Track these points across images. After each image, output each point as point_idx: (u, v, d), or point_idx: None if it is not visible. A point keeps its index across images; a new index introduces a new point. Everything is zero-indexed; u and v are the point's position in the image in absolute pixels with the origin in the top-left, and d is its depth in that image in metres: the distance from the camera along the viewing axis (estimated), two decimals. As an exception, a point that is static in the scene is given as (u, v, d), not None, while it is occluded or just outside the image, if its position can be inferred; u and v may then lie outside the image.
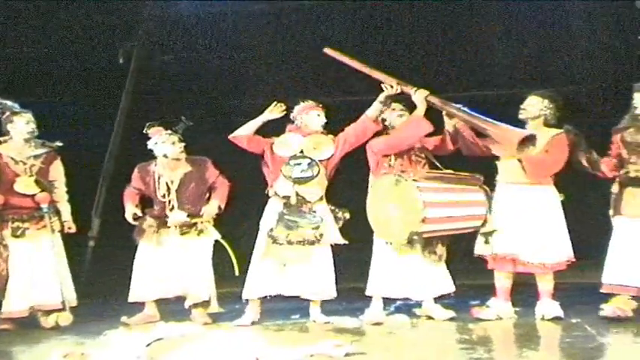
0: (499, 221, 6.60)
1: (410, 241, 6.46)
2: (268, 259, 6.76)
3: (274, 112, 6.93)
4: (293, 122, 7.03)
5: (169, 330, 6.26)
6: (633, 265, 6.31)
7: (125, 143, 9.20)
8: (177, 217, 6.97)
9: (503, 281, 6.69)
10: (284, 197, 6.81)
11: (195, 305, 6.96)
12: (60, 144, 7.15)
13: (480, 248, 6.72)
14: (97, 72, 9.42)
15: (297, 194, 6.77)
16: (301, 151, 6.85)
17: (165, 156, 7.00)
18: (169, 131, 7.01)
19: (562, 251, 6.59)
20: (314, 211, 6.78)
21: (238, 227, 7.33)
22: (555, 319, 6.45)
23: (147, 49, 9.75)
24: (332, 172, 6.96)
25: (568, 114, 6.82)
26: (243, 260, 6.95)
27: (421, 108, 6.62)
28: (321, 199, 6.88)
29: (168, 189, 7.01)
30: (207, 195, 7.15)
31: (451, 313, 6.69)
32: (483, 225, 6.55)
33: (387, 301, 6.93)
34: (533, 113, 6.66)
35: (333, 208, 6.93)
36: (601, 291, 6.45)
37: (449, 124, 6.77)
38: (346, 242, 6.87)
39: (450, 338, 6.03)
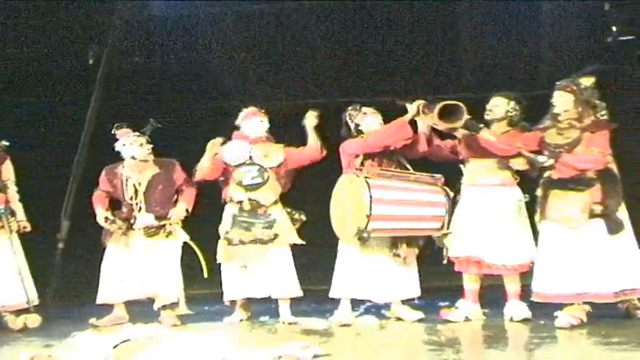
0: (464, 224, 6.60)
1: (360, 238, 6.37)
2: (231, 262, 6.87)
3: (216, 144, 6.94)
4: (238, 129, 7.13)
5: (137, 331, 6.21)
6: (564, 272, 6.13)
7: (95, 145, 9.14)
8: (144, 219, 6.95)
9: (470, 283, 6.71)
10: (238, 202, 6.91)
11: (164, 307, 6.96)
12: (6, 143, 7.07)
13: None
14: (67, 73, 9.36)
15: (250, 199, 6.89)
16: (250, 158, 6.93)
17: (132, 157, 6.98)
18: (137, 133, 6.98)
19: (525, 253, 6.58)
20: (269, 214, 6.90)
21: (208, 230, 7.28)
22: (524, 321, 6.45)
23: (117, 51, 9.70)
24: (285, 178, 7.09)
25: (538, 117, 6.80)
26: (213, 263, 6.96)
27: (410, 114, 6.60)
28: (275, 202, 7.00)
29: (136, 191, 6.99)
30: (175, 198, 7.14)
31: (420, 315, 6.71)
32: (443, 226, 6.52)
33: (357, 303, 6.96)
34: (499, 114, 6.64)
35: (289, 210, 7.05)
36: (532, 299, 6.37)
37: (423, 126, 6.73)
38: (303, 243, 6.98)
39: (418, 340, 6.03)
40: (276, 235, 6.86)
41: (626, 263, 6.16)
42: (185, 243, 7.06)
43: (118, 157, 7.11)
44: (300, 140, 7.06)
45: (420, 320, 6.66)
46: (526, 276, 6.61)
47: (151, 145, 7.03)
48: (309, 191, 7.45)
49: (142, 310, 7.05)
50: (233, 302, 7.04)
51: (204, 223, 7.15)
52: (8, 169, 7.11)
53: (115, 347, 5.55)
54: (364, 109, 6.91)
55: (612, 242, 6.14)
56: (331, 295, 6.82)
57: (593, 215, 6.11)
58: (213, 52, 10.01)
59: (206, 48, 9.92)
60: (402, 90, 8.88)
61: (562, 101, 6.23)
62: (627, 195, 6.28)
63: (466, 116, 6.27)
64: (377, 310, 7.04)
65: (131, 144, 6.98)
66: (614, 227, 6.12)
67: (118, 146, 7.04)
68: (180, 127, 8.83)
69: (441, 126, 6.42)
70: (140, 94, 9.78)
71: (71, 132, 9.33)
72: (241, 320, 6.97)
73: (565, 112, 6.19)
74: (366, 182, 6.32)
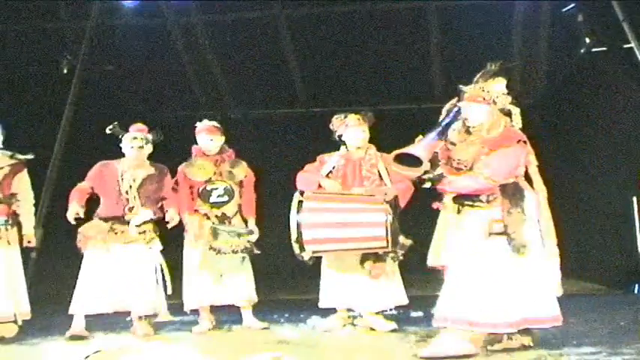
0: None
1: (301, 258, 6.31)
2: (204, 271, 6.87)
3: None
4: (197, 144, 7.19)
5: (107, 342, 6.24)
6: (459, 297, 5.41)
7: (68, 153, 9.12)
8: (144, 214, 6.90)
9: None
10: (204, 215, 6.98)
11: (139, 317, 6.91)
12: (31, 156, 7.03)
13: (431, 259, 6.21)
14: (40, 81, 9.34)
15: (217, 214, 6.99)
16: (214, 173, 7.01)
17: (130, 152, 6.93)
18: (149, 134, 7.01)
19: None
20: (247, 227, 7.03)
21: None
22: None
23: (90, 59, 9.67)
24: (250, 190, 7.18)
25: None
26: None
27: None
28: (236, 213, 7.07)
29: (129, 187, 6.96)
30: (160, 203, 7.12)
31: (392, 325, 6.73)
32: (388, 245, 6.24)
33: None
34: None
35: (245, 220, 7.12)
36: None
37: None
38: (259, 252, 7.03)
39: (391, 349, 6.05)
40: (253, 244, 6.95)
41: (530, 289, 5.39)
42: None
43: (92, 165, 7.05)
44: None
45: (393, 331, 6.67)
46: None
47: (144, 151, 6.98)
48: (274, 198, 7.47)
49: (110, 320, 6.96)
50: (195, 311, 7.04)
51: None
52: (22, 182, 7.03)
53: (86, 358, 5.55)
54: (348, 119, 6.87)
55: (514, 264, 5.37)
56: (320, 305, 6.83)
57: (492, 234, 5.40)
58: (184, 60, 10.04)
59: (178, 56, 9.96)
60: (383, 97, 8.98)
61: (475, 113, 5.54)
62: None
63: (425, 166, 5.38)
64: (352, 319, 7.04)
65: (134, 141, 6.93)
66: (515, 247, 5.34)
67: (127, 137, 6.95)
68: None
69: (399, 170, 5.47)
70: (112, 102, 9.79)
71: (46, 139, 9.31)
72: (209, 329, 6.95)
73: (479, 125, 5.55)
74: (299, 205, 6.24)
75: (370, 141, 6.89)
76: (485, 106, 5.50)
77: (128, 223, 6.84)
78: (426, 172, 5.39)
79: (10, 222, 6.88)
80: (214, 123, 7.21)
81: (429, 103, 9.83)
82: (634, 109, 8.52)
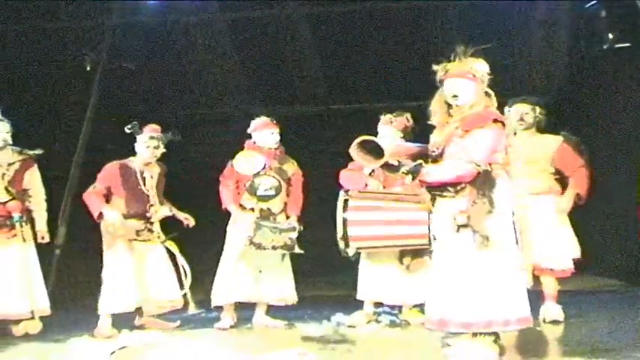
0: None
1: (346, 254, 6.44)
2: (242, 266, 6.85)
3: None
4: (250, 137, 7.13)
5: (133, 338, 6.27)
6: (433, 296, 5.19)
7: (91, 150, 9.15)
8: (163, 211, 7.00)
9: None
10: (250, 209, 6.93)
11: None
12: (39, 152, 7.08)
13: None
14: (64, 79, 9.37)
15: (262, 208, 6.92)
16: (264, 169, 6.95)
17: (142, 154, 6.96)
18: (162, 135, 7.02)
19: (568, 257, 6.52)
20: (290, 222, 6.96)
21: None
22: (554, 322, 6.38)
23: (113, 57, 9.71)
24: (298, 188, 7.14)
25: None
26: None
27: None
28: (282, 210, 7.02)
29: (151, 184, 6.99)
30: None
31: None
32: (430, 243, 5.98)
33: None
34: (530, 122, 6.60)
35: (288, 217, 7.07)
36: None
37: None
38: (302, 252, 6.96)
39: (418, 344, 6.03)
40: (294, 241, 6.89)
41: (496, 287, 4.96)
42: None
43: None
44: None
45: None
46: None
47: (164, 151, 7.05)
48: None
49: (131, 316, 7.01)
50: (219, 307, 7.03)
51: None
52: (33, 177, 7.08)
53: (112, 354, 5.58)
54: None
55: (480, 261, 4.95)
56: (358, 297, 6.89)
57: (457, 226, 5.00)
58: (205, 57, 10.04)
59: (198, 53, 9.96)
60: (399, 94, 8.95)
61: (462, 90, 5.10)
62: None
63: (387, 157, 4.96)
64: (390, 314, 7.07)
65: (151, 140, 6.95)
66: (479, 242, 4.92)
67: (141, 138, 6.96)
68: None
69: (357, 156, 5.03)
70: (135, 98, 9.81)
71: (68, 136, 9.36)
72: (231, 326, 6.94)
73: (464, 105, 5.12)
74: (345, 203, 6.39)
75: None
76: (472, 83, 5.09)
77: (149, 219, 6.92)
78: (401, 165, 5.05)
79: (24, 218, 6.92)
80: (269, 118, 7.13)
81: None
82: (634, 109, 8.49)
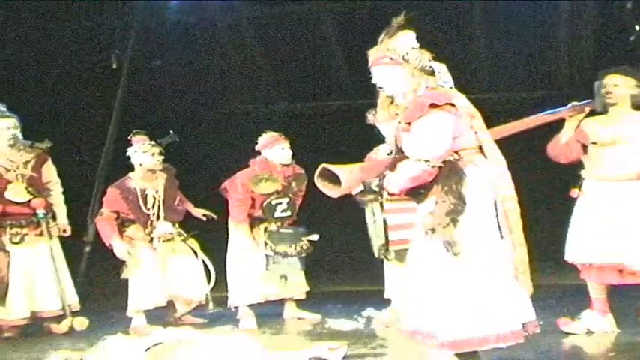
0: (593, 225, 5.60)
1: (385, 258, 6.47)
2: (268, 274, 6.87)
3: None
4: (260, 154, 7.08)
5: (167, 334, 6.29)
6: (405, 305, 4.58)
7: (120, 147, 9.19)
8: (163, 228, 7.02)
9: (599, 292, 5.72)
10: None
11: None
12: (49, 144, 7.08)
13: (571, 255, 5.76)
14: (92, 76, 9.42)
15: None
16: (282, 186, 6.95)
17: (140, 165, 7.00)
18: (153, 142, 7.02)
19: None
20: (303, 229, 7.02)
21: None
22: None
23: (139, 54, 9.76)
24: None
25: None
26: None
27: None
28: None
29: (155, 201, 7.03)
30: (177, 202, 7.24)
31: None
32: None
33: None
34: (620, 95, 5.62)
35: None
36: None
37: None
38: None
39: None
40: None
41: (469, 300, 4.18)
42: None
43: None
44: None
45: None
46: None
47: (163, 157, 7.06)
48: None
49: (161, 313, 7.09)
50: (236, 307, 7.03)
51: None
52: (49, 171, 7.10)
53: (146, 350, 5.61)
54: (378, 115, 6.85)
55: (451, 267, 4.20)
56: (385, 295, 6.80)
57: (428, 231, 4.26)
58: (229, 55, 10.06)
59: (222, 51, 9.98)
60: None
61: (384, 78, 4.45)
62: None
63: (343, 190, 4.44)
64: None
65: (144, 152, 6.96)
66: (445, 246, 4.19)
67: (129, 151, 7.02)
68: (196, 130, 8.89)
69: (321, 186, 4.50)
70: (160, 97, 9.85)
71: (97, 134, 9.42)
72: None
73: (399, 93, 4.41)
74: (383, 208, 6.34)
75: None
76: (394, 67, 4.36)
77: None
78: (370, 185, 4.94)
79: (49, 215, 6.96)
80: (277, 133, 7.09)
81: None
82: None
